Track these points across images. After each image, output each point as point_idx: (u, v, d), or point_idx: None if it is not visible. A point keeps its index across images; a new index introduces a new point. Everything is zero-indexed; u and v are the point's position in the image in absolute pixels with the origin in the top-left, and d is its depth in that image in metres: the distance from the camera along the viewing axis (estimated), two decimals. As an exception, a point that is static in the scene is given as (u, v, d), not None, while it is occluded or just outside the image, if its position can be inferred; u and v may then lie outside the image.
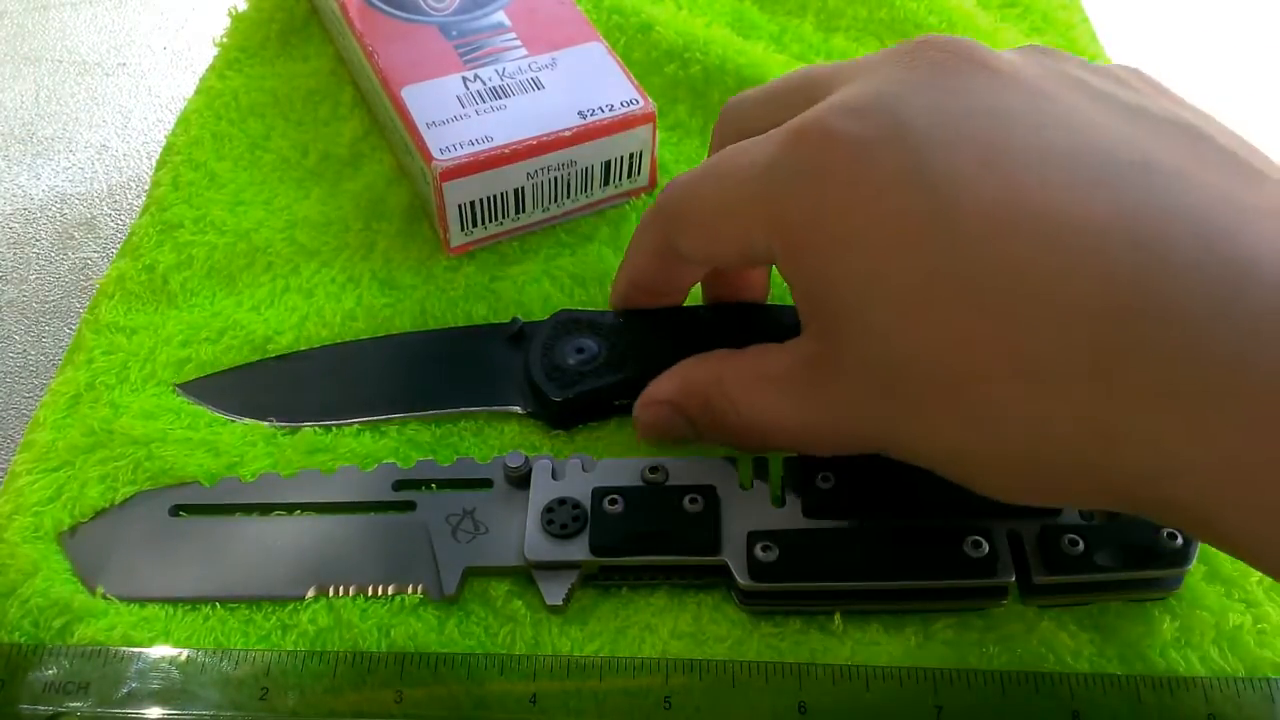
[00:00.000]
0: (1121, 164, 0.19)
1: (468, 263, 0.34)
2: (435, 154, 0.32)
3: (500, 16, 0.37)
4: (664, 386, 0.27)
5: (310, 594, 0.26)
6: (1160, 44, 0.51)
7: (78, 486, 0.28)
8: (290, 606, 0.26)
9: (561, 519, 0.26)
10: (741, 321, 0.29)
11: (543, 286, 0.33)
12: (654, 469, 0.26)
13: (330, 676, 0.24)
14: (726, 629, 0.25)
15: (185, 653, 0.25)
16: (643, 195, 0.36)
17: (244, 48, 0.42)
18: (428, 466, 0.28)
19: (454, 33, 0.36)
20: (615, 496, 0.26)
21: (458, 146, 0.32)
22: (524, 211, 0.34)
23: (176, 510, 0.28)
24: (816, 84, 0.24)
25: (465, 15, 0.37)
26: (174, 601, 0.26)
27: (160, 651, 0.25)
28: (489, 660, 0.24)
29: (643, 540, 0.25)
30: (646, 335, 0.29)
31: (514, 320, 0.31)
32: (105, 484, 0.28)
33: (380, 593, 0.26)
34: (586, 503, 0.26)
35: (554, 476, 0.27)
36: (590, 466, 0.27)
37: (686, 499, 0.25)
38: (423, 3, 0.37)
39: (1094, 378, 0.18)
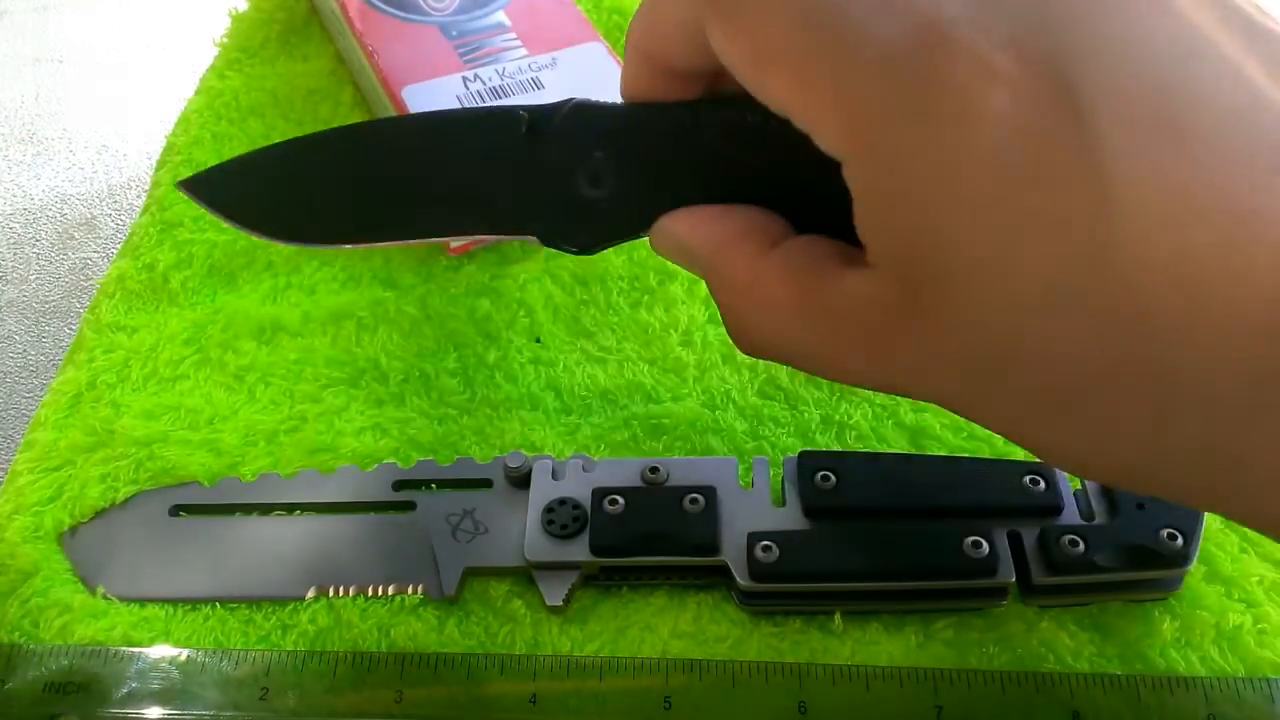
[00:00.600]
0: None
1: (468, 262, 0.34)
2: (435, 154, 0.32)
3: (500, 16, 0.37)
4: (696, 233, 0.22)
5: (310, 594, 0.26)
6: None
7: (78, 486, 0.28)
8: (290, 606, 0.26)
9: (562, 519, 0.26)
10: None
11: (544, 285, 0.33)
12: (654, 469, 0.26)
13: (330, 676, 0.24)
14: (726, 629, 0.25)
15: (185, 653, 0.25)
16: (643, 195, 0.36)
17: (244, 48, 0.42)
18: (428, 466, 0.28)
19: (454, 33, 0.36)
20: (615, 497, 0.26)
21: (458, 146, 0.32)
22: (524, 211, 0.34)
23: (177, 510, 0.28)
24: None
25: (465, 15, 0.37)
26: (174, 601, 0.26)
27: (160, 651, 0.25)
28: (489, 660, 0.24)
29: (643, 540, 0.25)
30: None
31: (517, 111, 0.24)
32: (106, 484, 0.28)
33: (380, 593, 0.26)
34: (586, 503, 0.26)
35: (554, 476, 0.27)
36: (590, 467, 0.27)
37: (686, 499, 0.25)
38: (423, 3, 0.37)
39: (1245, 404, 0.16)
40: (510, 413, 0.30)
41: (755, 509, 0.26)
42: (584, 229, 0.23)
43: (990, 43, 0.17)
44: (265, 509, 0.28)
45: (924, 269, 0.18)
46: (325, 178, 0.23)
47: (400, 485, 0.28)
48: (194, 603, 0.26)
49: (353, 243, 0.23)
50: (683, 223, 0.22)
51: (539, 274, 0.33)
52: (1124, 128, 0.17)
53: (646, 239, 0.23)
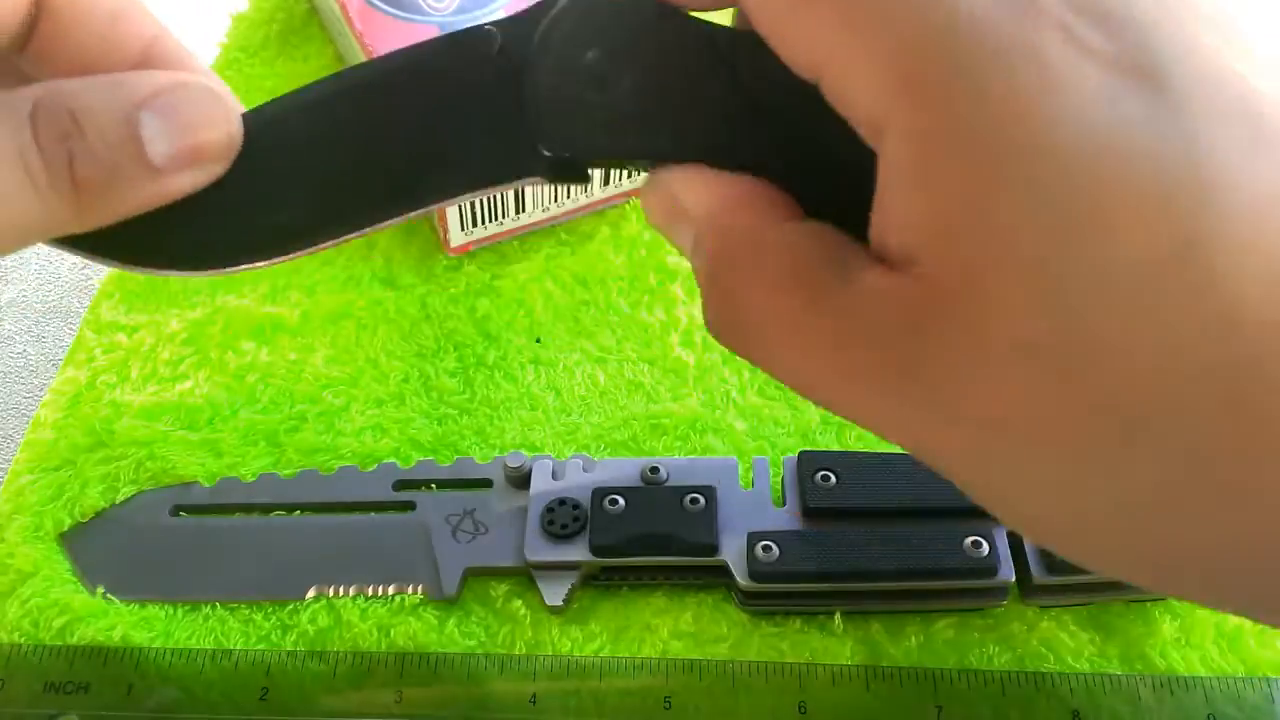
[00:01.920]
0: None
1: (468, 262, 0.34)
2: (435, 154, 0.32)
3: (500, 16, 0.36)
4: (692, 193, 0.19)
5: (310, 594, 0.26)
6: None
7: (78, 486, 0.28)
8: (290, 606, 0.26)
9: (561, 519, 0.26)
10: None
11: (544, 285, 0.33)
12: (654, 469, 0.26)
13: (330, 676, 0.24)
14: (726, 629, 0.25)
15: (186, 652, 0.25)
16: (643, 195, 0.36)
17: (244, 48, 0.42)
18: (428, 467, 0.28)
19: (454, 33, 0.36)
20: (615, 497, 0.26)
21: (458, 146, 0.32)
22: (523, 211, 0.34)
23: (177, 510, 0.28)
24: None
25: (465, 15, 0.37)
26: (174, 602, 0.26)
27: (160, 651, 0.25)
28: (489, 660, 0.24)
29: (643, 541, 0.25)
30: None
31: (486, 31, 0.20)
32: (106, 484, 0.28)
33: (380, 593, 0.26)
34: (586, 503, 0.26)
35: (554, 477, 0.27)
36: (590, 466, 0.27)
37: (686, 499, 0.25)
38: (423, 3, 0.37)
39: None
40: (510, 413, 0.30)
41: (755, 509, 0.26)
42: (580, 134, 0.19)
43: (1082, 19, 0.15)
44: (265, 509, 0.28)
45: (967, 265, 0.15)
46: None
47: (400, 485, 0.28)
48: (194, 603, 0.26)
49: (315, 243, 0.19)
50: (682, 176, 0.19)
51: (539, 274, 0.33)
52: (1218, 122, 0.15)
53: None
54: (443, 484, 0.28)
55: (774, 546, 0.25)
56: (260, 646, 0.25)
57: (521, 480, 0.27)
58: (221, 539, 0.27)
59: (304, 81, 0.21)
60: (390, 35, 0.36)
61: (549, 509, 0.26)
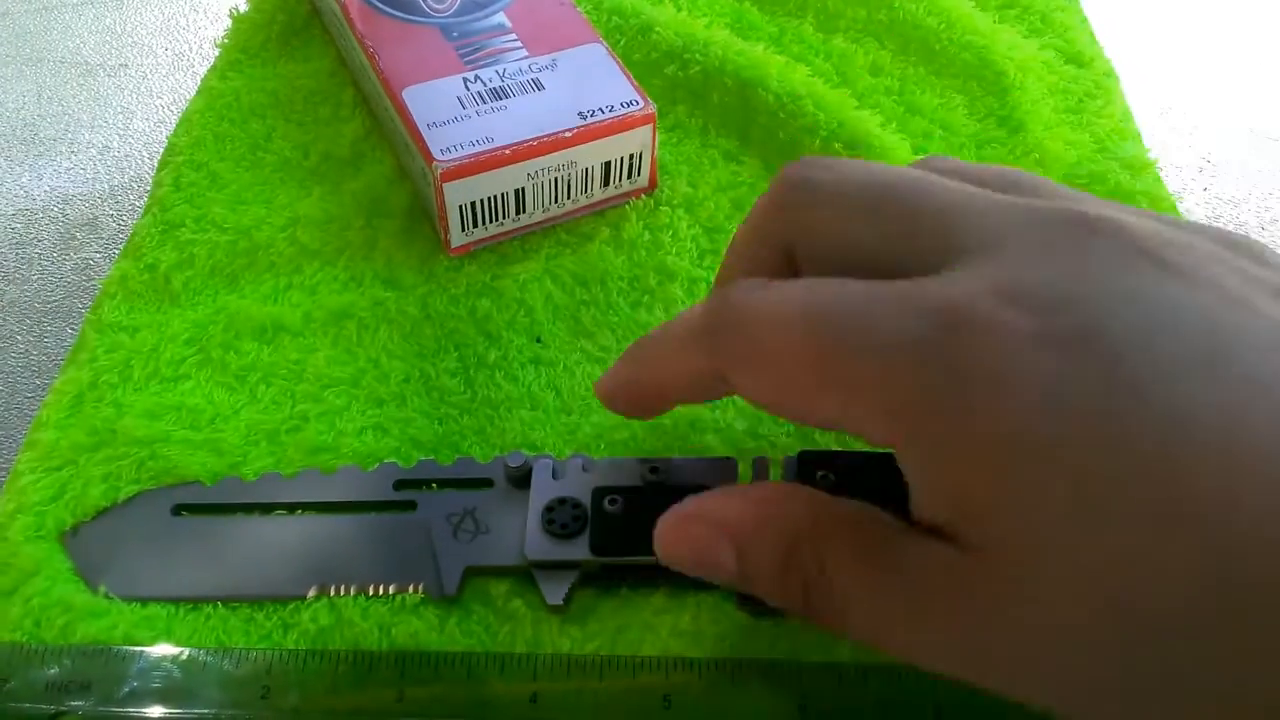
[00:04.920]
0: None
1: (469, 262, 0.34)
2: (436, 155, 0.32)
3: (501, 18, 0.37)
4: (731, 507, 0.22)
5: (311, 593, 0.26)
6: (1159, 45, 0.51)
7: (80, 486, 0.28)
8: (291, 606, 0.26)
9: (562, 519, 0.26)
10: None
11: (545, 285, 0.33)
12: (654, 469, 0.26)
13: (331, 675, 0.24)
14: (726, 629, 0.25)
15: (187, 651, 0.25)
16: (643, 195, 0.36)
17: (245, 49, 0.42)
18: (429, 466, 0.28)
19: (455, 34, 0.36)
20: (615, 496, 0.26)
21: (458, 147, 0.32)
22: (524, 212, 0.34)
23: (178, 510, 0.28)
24: (937, 228, 0.20)
25: (466, 16, 0.37)
26: (176, 601, 0.26)
27: (162, 650, 0.25)
28: (489, 660, 0.24)
29: (643, 540, 0.25)
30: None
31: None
32: (108, 483, 0.28)
33: (381, 592, 0.26)
34: (587, 502, 0.26)
35: (554, 476, 0.27)
36: (590, 466, 0.27)
37: (683, 499, 0.25)
38: (424, 4, 0.37)
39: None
40: (510, 412, 0.30)
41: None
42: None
43: (1014, 312, 0.17)
44: (266, 508, 0.28)
45: (998, 539, 0.17)
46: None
47: (401, 485, 0.28)
48: (195, 602, 0.26)
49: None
50: (714, 498, 0.22)
51: (539, 274, 0.34)
52: (1171, 374, 0.16)
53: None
54: (443, 483, 0.28)
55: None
56: (262, 645, 0.25)
57: (522, 480, 0.27)
58: (223, 538, 0.27)
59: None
60: (391, 36, 0.36)
61: (549, 508, 0.26)
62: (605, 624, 0.25)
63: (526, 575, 0.26)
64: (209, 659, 0.25)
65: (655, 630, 0.25)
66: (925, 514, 0.19)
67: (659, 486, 0.26)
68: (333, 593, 0.26)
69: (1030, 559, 0.17)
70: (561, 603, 0.25)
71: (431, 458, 0.29)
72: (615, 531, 0.25)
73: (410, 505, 0.27)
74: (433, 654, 0.25)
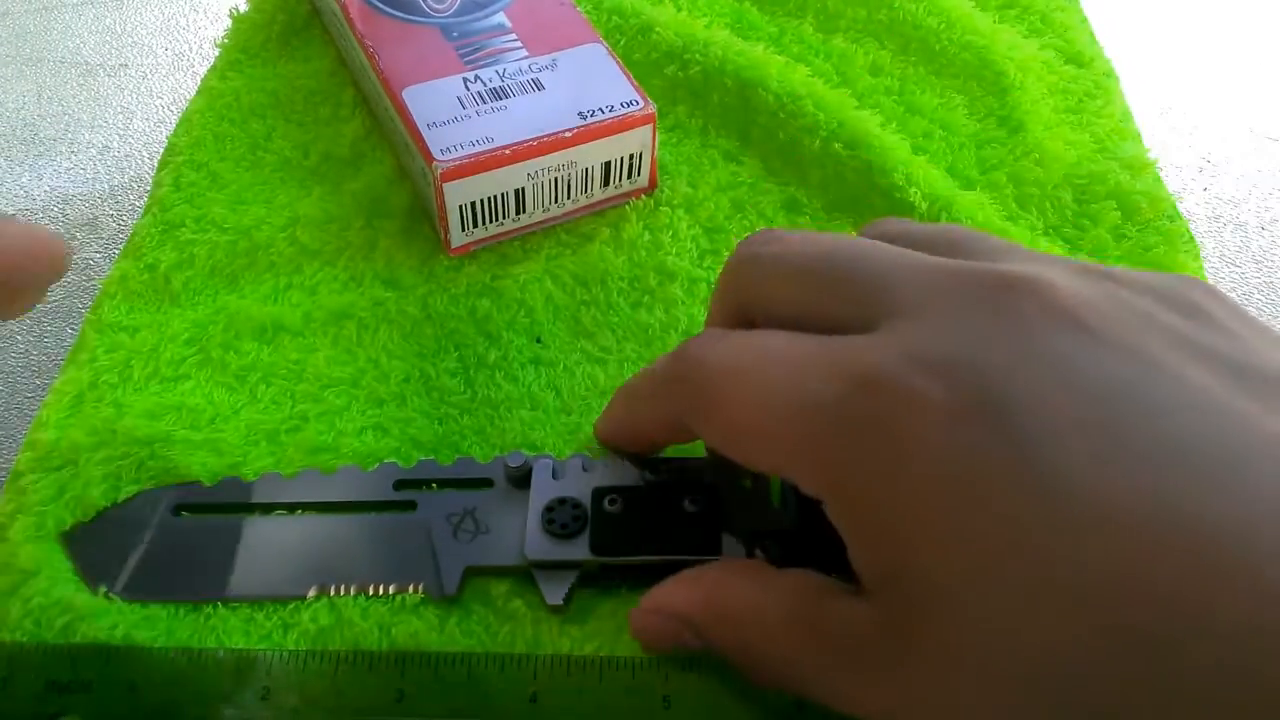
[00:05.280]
0: (1254, 454, 0.17)
1: (469, 262, 0.34)
2: (436, 155, 0.32)
3: (501, 18, 0.37)
4: (678, 596, 0.23)
5: (311, 594, 0.26)
6: (1159, 45, 0.51)
7: (80, 486, 0.28)
8: (292, 605, 0.26)
9: (562, 519, 0.26)
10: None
11: (545, 285, 0.33)
12: (654, 469, 0.26)
13: (331, 675, 0.24)
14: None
15: (186, 651, 0.25)
16: (643, 195, 0.36)
17: (245, 49, 0.42)
18: (429, 466, 0.28)
19: (455, 34, 0.36)
20: (615, 496, 0.26)
21: (458, 147, 0.32)
22: (524, 212, 0.34)
23: (178, 509, 0.28)
24: (868, 292, 0.21)
25: (466, 16, 0.37)
26: (176, 601, 0.26)
27: (162, 651, 0.25)
28: (489, 660, 0.24)
29: (643, 540, 0.25)
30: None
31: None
32: (108, 483, 0.28)
33: (381, 592, 0.26)
34: (587, 502, 0.26)
35: (554, 476, 0.27)
36: (590, 466, 0.27)
37: (686, 499, 0.26)
38: (424, 4, 0.37)
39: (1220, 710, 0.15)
40: (510, 412, 0.30)
41: (755, 508, 0.26)
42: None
43: (922, 378, 0.18)
44: (267, 508, 0.28)
45: (905, 599, 0.19)
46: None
47: (401, 485, 0.28)
48: (196, 602, 0.26)
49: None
50: (668, 587, 0.24)
51: (539, 274, 0.34)
52: (1060, 438, 0.17)
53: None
54: (443, 483, 0.28)
55: (773, 545, 0.25)
56: (262, 646, 0.25)
57: (522, 480, 0.27)
58: (223, 538, 0.27)
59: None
60: (391, 36, 0.36)
61: (549, 508, 0.26)
62: (605, 624, 0.25)
63: (526, 575, 0.26)
64: (209, 659, 0.25)
65: (655, 630, 0.25)
66: (855, 567, 0.20)
67: (659, 486, 0.26)
68: (333, 593, 0.26)
69: (929, 620, 0.18)
70: (561, 603, 0.25)
71: (432, 458, 0.29)
72: (615, 531, 0.25)
73: (410, 505, 0.27)
74: (433, 654, 0.25)
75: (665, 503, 0.26)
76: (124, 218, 0.43)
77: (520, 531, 0.26)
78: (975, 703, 0.18)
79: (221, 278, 0.34)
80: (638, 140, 0.34)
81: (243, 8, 0.44)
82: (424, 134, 0.32)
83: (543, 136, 0.32)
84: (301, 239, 0.35)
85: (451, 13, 0.37)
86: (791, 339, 0.21)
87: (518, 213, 0.34)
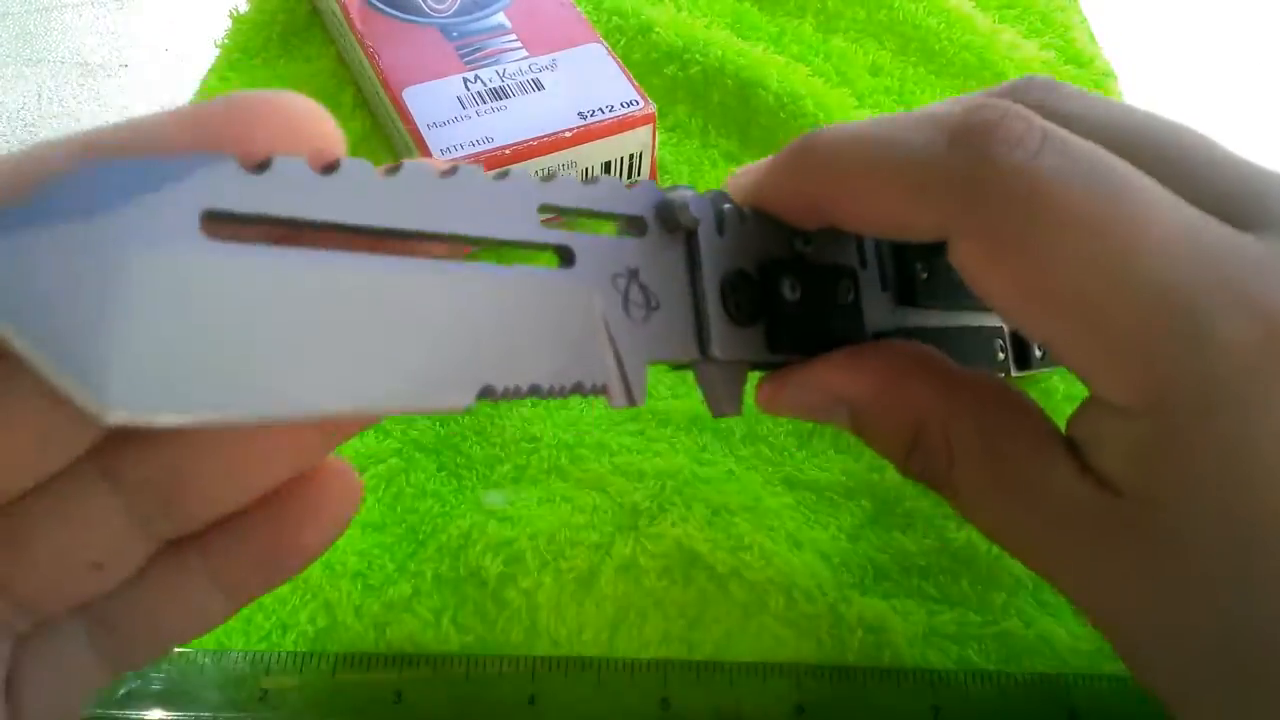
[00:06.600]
0: None
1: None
2: (436, 154, 0.32)
3: (501, 18, 0.37)
4: (842, 378, 0.20)
5: (470, 401, 0.15)
6: (1158, 45, 0.51)
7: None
8: (290, 606, 0.26)
9: (742, 300, 0.20)
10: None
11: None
12: (806, 239, 0.21)
13: (329, 676, 0.24)
14: (725, 611, 0.25)
15: (185, 653, 0.25)
16: (643, 196, 0.36)
17: (245, 49, 0.42)
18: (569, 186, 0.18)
19: (455, 34, 0.36)
20: (794, 281, 0.20)
21: (458, 147, 0.32)
22: (524, 212, 0.34)
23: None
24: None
25: (466, 16, 0.37)
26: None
27: (160, 650, 0.25)
28: (488, 660, 0.24)
29: (819, 337, 0.21)
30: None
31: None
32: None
33: (558, 390, 0.17)
34: (754, 273, 0.20)
35: (719, 231, 0.20)
36: (745, 216, 0.21)
37: (841, 285, 0.21)
38: (424, 4, 0.37)
39: None
40: (510, 410, 0.30)
41: (870, 297, 0.22)
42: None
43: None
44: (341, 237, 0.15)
45: (1152, 496, 0.17)
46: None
47: (546, 209, 0.17)
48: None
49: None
50: (829, 368, 0.20)
51: (539, 274, 0.34)
52: None
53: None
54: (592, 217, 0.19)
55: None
56: (260, 647, 0.25)
57: (673, 224, 0.19)
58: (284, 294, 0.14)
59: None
60: (391, 36, 0.36)
61: (731, 285, 0.20)
62: (604, 610, 0.25)
63: (678, 373, 0.22)
64: (207, 660, 0.25)
65: (650, 618, 0.25)
66: (1105, 454, 0.17)
67: (815, 267, 0.21)
68: (502, 393, 0.16)
69: (1198, 519, 0.16)
70: (736, 410, 0.20)
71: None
72: (795, 327, 0.20)
73: (566, 255, 0.18)
74: (432, 654, 0.25)
75: (828, 291, 0.21)
76: (123, 218, 0.43)
77: (687, 306, 0.19)
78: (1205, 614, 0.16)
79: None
80: (638, 140, 0.34)
81: (243, 8, 0.44)
82: (424, 134, 0.32)
83: (543, 136, 0.32)
84: (301, 239, 0.35)
85: (451, 13, 0.37)
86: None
87: (517, 212, 0.34)
